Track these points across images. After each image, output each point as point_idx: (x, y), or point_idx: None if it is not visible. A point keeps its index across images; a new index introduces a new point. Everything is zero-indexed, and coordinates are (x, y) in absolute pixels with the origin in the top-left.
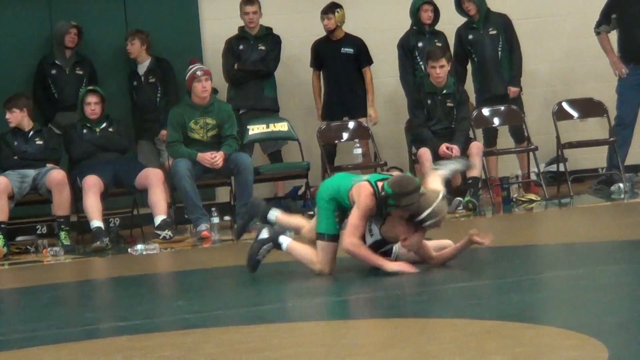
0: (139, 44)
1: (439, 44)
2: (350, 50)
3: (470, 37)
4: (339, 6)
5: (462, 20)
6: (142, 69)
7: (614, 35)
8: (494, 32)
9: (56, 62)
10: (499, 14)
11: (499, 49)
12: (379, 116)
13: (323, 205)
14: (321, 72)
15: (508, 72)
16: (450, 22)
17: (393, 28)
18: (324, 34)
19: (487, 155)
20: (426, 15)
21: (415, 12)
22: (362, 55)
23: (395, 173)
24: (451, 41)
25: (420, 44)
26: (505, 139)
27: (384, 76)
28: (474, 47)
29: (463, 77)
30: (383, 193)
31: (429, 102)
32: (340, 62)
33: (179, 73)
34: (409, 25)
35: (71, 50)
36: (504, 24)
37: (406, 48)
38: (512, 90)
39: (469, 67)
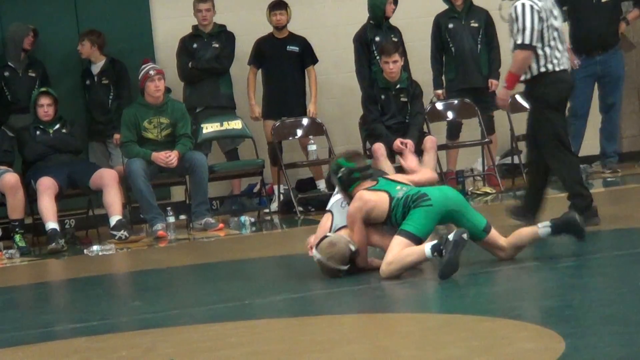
0: (89, 44)
1: (395, 39)
2: (295, 49)
3: (450, 26)
4: (287, 4)
5: (427, 11)
6: (95, 69)
7: (565, 27)
8: (475, 24)
9: (9, 64)
10: (480, 8)
11: (479, 42)
12: (332, 112)
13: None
14: (260, 71)
15: (486, 65)
16: (407, 15)
17: (345, 24)
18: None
19: (443, 149)
20: (390, 9)
21: (381, 6)
22: (306, 54)
23: None
24: (412, 34)
25: (377, 38)
26: (475, 132)
27: (337, 72)
28: (453, 36)
29: (440, 65)
30: None
31: (382, 97)
32: (285, 61)
33: (132, 73)
34: (358, 21)
35: (25, 53)
36: (486, 19)
37: (363, 42)
38: (494, 83)
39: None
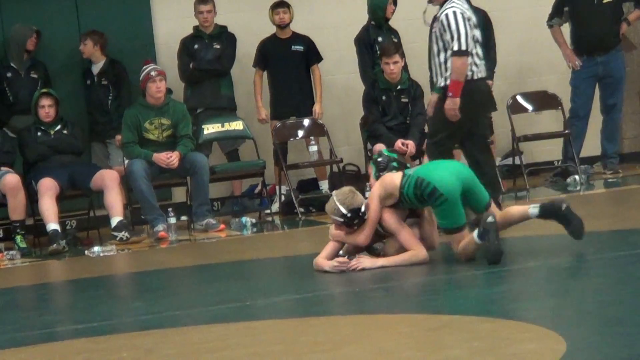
0: (91, 44)
1: (395, 40)
2: (300, 48)
3: None
4: (289, 4)
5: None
6: (96, 69)
7: (566, 28)
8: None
9: (12, 65)
10: (479, 8)
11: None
12: (333, 113)
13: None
14: (265, 72)
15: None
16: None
17: (345, 24)
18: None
19: None
20: (390, 10)
21: (382, 7)
22: (311, 53)
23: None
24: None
25: (380, 39)
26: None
27: (338, 73)
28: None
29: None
30: None
31: (383, 98)
32: (290, 61)
33: (133, 74)
34: (358, 21)
35: (28, 54)
36: (484, 21)
37: (366, 43)
38: (489, 83)
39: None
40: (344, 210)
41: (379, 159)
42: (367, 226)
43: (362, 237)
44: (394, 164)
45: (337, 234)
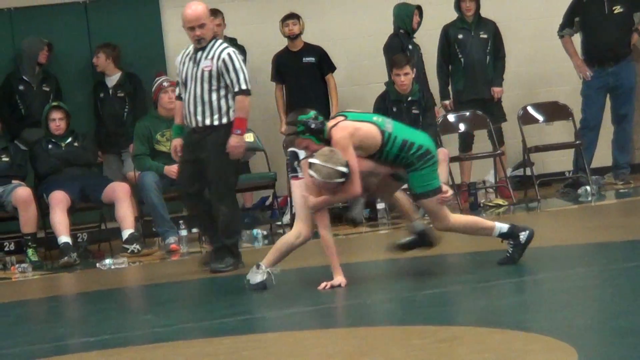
0: (104, 57)
1: (420, 51)
2: (312, 59)
3: (460, 36)
4: (299, 16)
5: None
6: (110, 82)
7: (577, 38)
8: (485, 36)
9: (24, 78)
10: (489, 19)
11: (487, 53)
12: None
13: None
14: (284, 86)
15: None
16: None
17: (356, 36)
18: (286, 44)
19: (454, 161)
20: (416, 20)
21: (410, 15)
22: (324, 63)
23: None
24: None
25: (410, 47)
26: (485, 144)
27: (348, 84)
28: (462, 47)
29: (447, 75)
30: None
31: (394, 109)
32: (304, 73)
33: (144, 85)
34: (369, 33)
35: (40, 67)
36: (494, 30)
37: (397, 51)
38: (497, 90)
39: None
40: (342, 169)
41: (312, 126)
42: (354, 176)
43: (356, 187)
44: (320, 117)
45: (322, 201)
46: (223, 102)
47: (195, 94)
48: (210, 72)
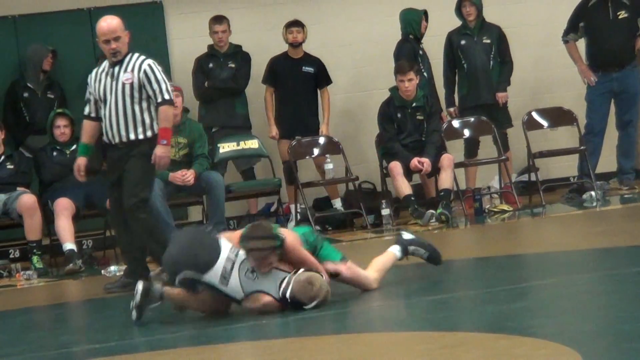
0: None
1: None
2: (311, 70)
3: (463, 42)
4: (303, 23)
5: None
6: None
7: (581, 43)
8: (488, 41)
9: (29, 85)
10: (493, 24)
11: (491, 58)
12: (348, 131)
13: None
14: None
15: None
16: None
17: (359, 42)
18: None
19: (459, 167)
20: (424, 25)
21: (418, 20)
22: (321, 75)
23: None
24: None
25: (421, 52)
26: (490, 150)
27: (353, 90)
28: (466, 53)
29: (453, 82)
30: None
31: (398, 115)
32: (300, 81)
33: None
34: (373, 39)
35: (44, 74)
36: (499, 35)
37: (409, 55)
38: (500, 95)
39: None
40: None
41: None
42: (314, 266)
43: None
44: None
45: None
46: (146, 114)
47: (117, 109)
48: (131, 84)
